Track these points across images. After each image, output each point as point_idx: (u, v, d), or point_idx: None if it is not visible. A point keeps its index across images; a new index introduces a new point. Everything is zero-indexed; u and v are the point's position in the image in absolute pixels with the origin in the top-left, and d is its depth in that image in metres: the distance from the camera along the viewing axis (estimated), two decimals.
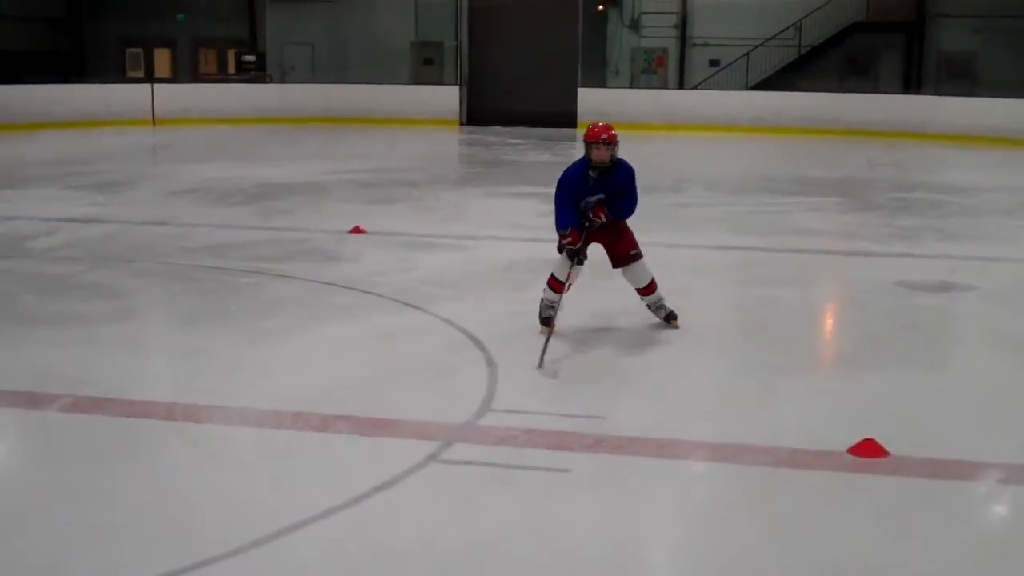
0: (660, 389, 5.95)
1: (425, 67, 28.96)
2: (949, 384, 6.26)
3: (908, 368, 6.40)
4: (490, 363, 6.19)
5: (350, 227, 10.60)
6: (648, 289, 7.03)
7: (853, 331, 7.53)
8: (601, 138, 6.81)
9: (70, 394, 5.55)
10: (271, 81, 29.08)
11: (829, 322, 8.00)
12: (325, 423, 5.18)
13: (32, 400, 5.51)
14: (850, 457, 4.81)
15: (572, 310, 7.08)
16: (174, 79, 32.13)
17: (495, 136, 23.31)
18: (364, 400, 5.55)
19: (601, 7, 28.36)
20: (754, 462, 4.82)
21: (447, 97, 26.42)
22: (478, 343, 6.60)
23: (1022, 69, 24.27)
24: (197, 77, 32.24)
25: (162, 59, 33.86)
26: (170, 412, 5.33)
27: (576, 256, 6.81)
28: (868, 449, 4.85)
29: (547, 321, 6.86)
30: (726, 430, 5.23)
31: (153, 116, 25.69)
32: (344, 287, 8.17)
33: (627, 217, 7.11)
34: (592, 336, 6.92)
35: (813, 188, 15.07)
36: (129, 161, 17.85)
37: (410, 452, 4.81)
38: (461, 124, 26.16)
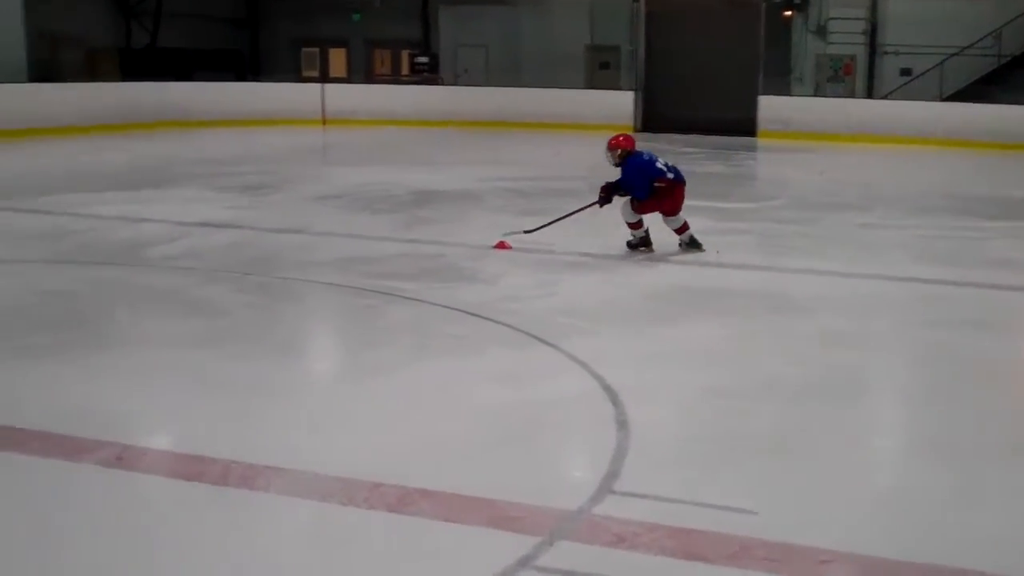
0: (831, 474, 4.74)
1: (600, 71, 27.92)
2: None
3: None
4: (621, 424, 5.08)
5: (495, 242, 9.64)
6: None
7: None
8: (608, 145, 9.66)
9: (116, 442, 4.67)
10: (443, 83, 28.51)
11: None
12: (403, 500, 4.17)
13: (68, 448, 4.65)
14: None
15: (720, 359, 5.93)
16: (347, 79, 31.93)
17: (668, 144, 22.02)
18: (457, 468, 4.53)
19: (788, 12, 26.82)
20: None
21: (621, 103, 25.29)
22: (611, 394, 5.51)
23: None
24: (370, 78, 31.98)
25: (337, 59, 33.75)
26: (225, 474, 4.38)
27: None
28: None
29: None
30: (917, 542, 4.01)
31: (323, 116, 25.37)
32: (469, 313, 7.18)
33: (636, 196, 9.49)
34: (752, 392, 5.75)
35: (1014, 211, 13.41)
36: (285, 162, 17.32)
37: (497, 550, 3.76)
38: (635, 130, 24.96)
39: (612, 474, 4.45)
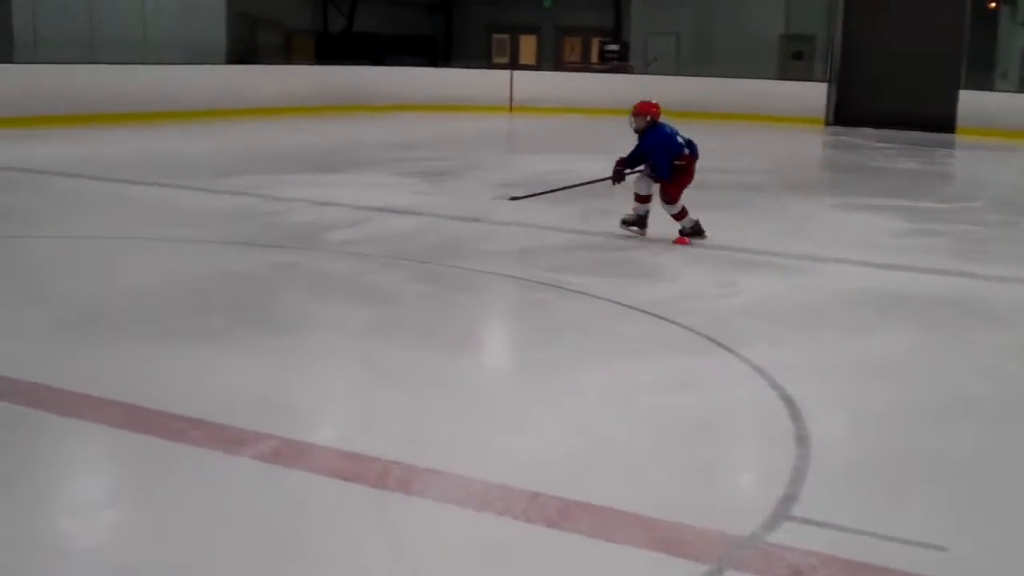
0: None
1: (794, 62, 27.12)
2: None
3: None
4: (801, 441, 4.74)
5: (675, 237, 9.32)
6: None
7: None
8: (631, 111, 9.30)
9: (276, 435, 4.58)
10: (632, 72, 28.15)
11: None
12: (563, 514, 3.93)
13: (225, 437, 4.57)
14: None
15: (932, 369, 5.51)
16: (537, 66, 31.89)
17: (862, 138, 21.27)
18: (621, 481, 4.27)
19: (993, 3, 25.49)
20: None
21: (814, 94, 24.52)
22: (792, 407, 5.16)
23: None
24: (559, 65, 31.86)
25: (527, 46, 33.77)
26: (383, 475, 4.23)
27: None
28: None
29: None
30: None
31: (511, 102, 25.37)
32: (645, 312, 6.90)
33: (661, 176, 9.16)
34: (946, 411, 5.33)
35: None
36: (469, 148, 17.31)
37: None
38: (827, 124, 24.20)
39: (789, 497, 4.12)
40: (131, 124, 18.32)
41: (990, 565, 3.73)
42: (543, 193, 9.36)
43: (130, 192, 11.37)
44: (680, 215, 9.28)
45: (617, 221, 9.57)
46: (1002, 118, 21.86)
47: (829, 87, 24.61)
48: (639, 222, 9.39)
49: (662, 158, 9.12)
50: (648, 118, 9.28)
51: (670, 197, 9.23)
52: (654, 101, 9.47)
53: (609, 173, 9.48)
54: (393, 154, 15.54)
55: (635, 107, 9.39)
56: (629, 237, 9.44)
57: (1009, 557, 3.80)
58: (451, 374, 5.62)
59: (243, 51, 25.61)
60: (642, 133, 9.26)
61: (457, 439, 4.67)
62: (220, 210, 10.45)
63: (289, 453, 4.42)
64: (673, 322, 6.66)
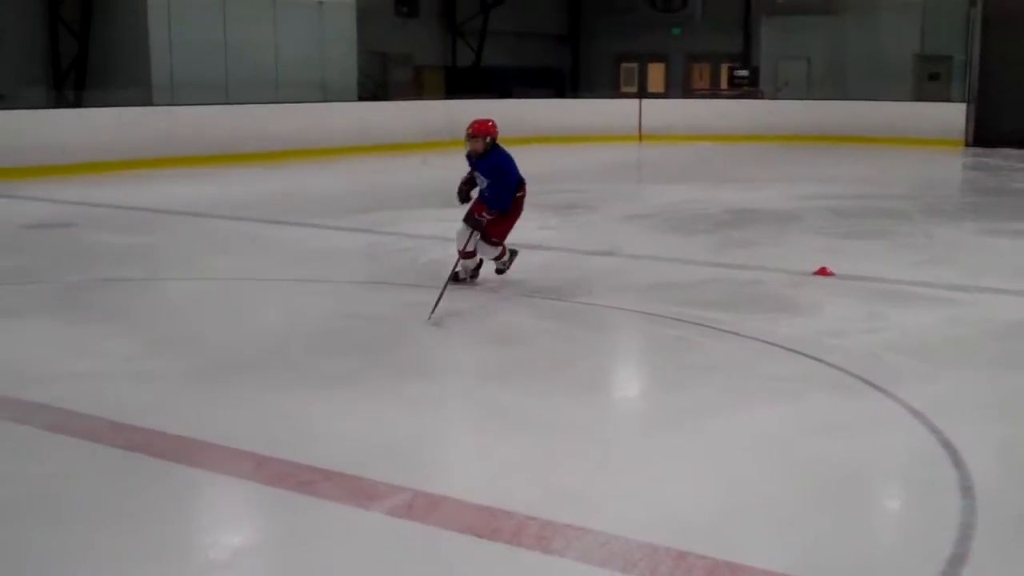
0: None
1: (930, 82, 26.34)
2: None
3: None
4: (966, 492, 4.40)
5: (815, 267, 8.97)
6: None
7: None
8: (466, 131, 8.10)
9: (408, 487, 4.40)
10: (763, 97, 27.69)
11: None
12: (712, 574, 3.69)
13: (356, 489, 4.40)
14: None
15: None
16: (665, 94, 31.62)
17: (1003, 159, 20.46)
18: (771, 538, 3.99)
19: None
20: None
21: (952, 115, 23.69)
22: (952, 453, 4.82)
23: None
24: (687, 92, 31.53)
25: (655, 74, 33.54)
26: (519, 532, 4.01)
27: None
28: None
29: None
30: None
31: (640, 131, 25.12)
32: (787, 349, 6.59)
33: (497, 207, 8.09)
34: None
35: None
36: (598, 179, 17.11)
37: None
38: (966, 145, 23.36)
39: (957, 557, 3.80)
40: (265, 163, 18.58)
41: None
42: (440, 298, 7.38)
43: (262, 232, 11.44)
44: (500, 255, 8.38)
45: (752, 252, 9.24)
46: None
47: (968, 107, 23.77)
48: (474, 274, 8.53)
49: (504, 188, 8.15)
50: (488, 139, 8.16)
51: (498, 235, 8.24)
52: (491, 120, 8.33)
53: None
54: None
55: (471, 126, 8.18)
56: (762, 269, 9.10)
57: None
58: (585, 420, 5.40)
59: (374, 87, 25.90)
60: (480, 156, 8.15)
61: (595, 492, 4.45)
62: (350, 249, 10.44)
63: (422, 507, 4.24)
64: (819, 360, 6.35)
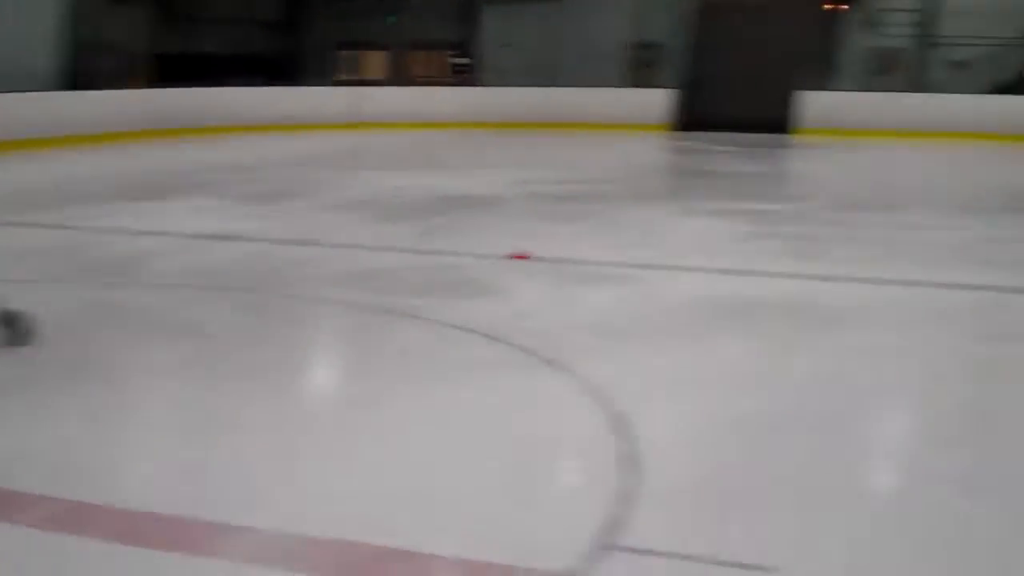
0: (860, 529, 4.15)
1: (643, 70, 27.34)
2: None
3: None
4: (633, 462, 4.49)
5: (515, 251, 9.08)
6: None
7: None
8: None
9: (61, 498, 4.14)
10: (482, 84, 28.02)
11: None
12: (378, 561, 3.61)
13: (8, 503, 4.12)
14: None
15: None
16: (385, 82, 31.52)
17: (705, 143, 21.42)
18: (441, 522, 3.96)
19: (846, 6, 26.01)
20: None
21: (661, 101, 24.69)
22: (626, 427, 4.92)
23: None
24: (408, 80, 31.54)
25: (375, 62, 33.34)
26: (177, 537, 3.81)
27: None
28: None
29: None
30: None
31: (358, 120, 24.94)
32: (480, 333, 6.62)
33: None
34: (783, 421, 5.16)
35: None
36: (311, 168, 16.84)
37: None
38: (673, 130, 24.37)
39: (616, 523, 3.87)
40: None
41: None
42: None
43: None
44: None
45: (454, 237, 9.26)
46: (841, 116, 22.32)
47: (675, 94, 24.80)
48: None
49: None
50: None
51: None
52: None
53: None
54: (226, 176, 15.00)
55: None
56: (460, 254, 9.15)
57: (842, 573, 3.60)
58: (271, 415, 5.22)
59: (81, 76, 24.66)
60: None
61: (270, 488, 4.30)
62: (28, 247, 9.83)
63: (70, 518, 3.98)
64: (508, 342, 6.39)
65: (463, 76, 28.88)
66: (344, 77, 32.17)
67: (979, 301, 7.73)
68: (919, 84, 25.19)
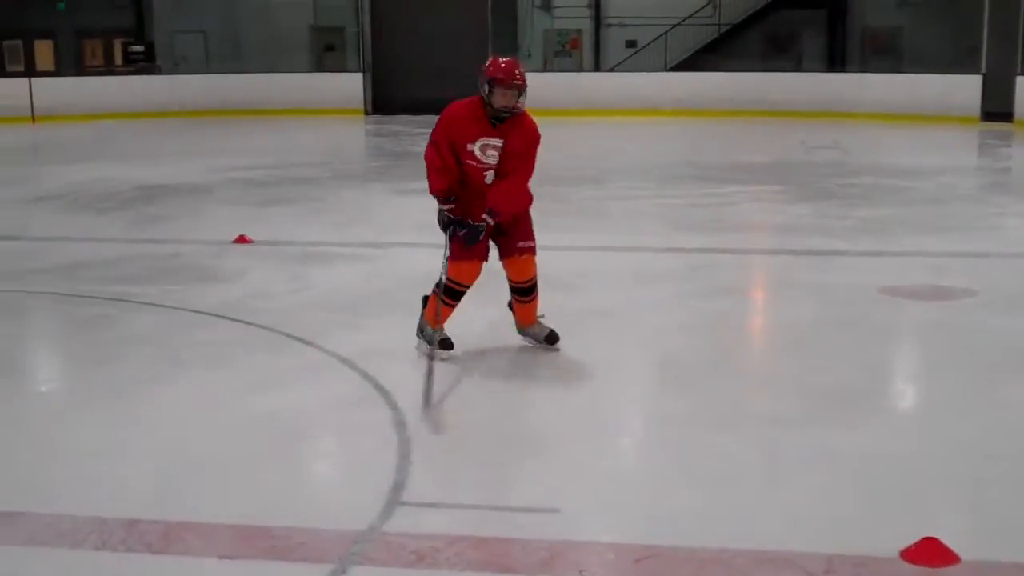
0: (623, 465, 4.52)
1: (327, 53, 27.31)
2: (1009, 442, 4.61)
3: (943, 414, 5.01)
4: (400, 425, 4.68)
5: (234, 236, 9.02)
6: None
7: (851, 361, 5.74)
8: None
9: None
10: (160, 72, 27.18)
11: (820, 348, 6.05)
12: (167, 538, 3.64)
13: None
14: (908, 566, 3.42)
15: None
16: (56, 72, 30.03)
17: (402, 125, 21.67)
18: (223, 493, 4.02)
19: None
20: None
21: (350, 85, 24.75)
22: (384, 393, 5.10)
23: (948, 44, 23.26)
24: (81, 70, 30.18)
25: (43, 52, 31.68)
26: None
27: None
28: (931, 552, 3.46)
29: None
30: (727, 530, 3.77)
31: (32, 113, 23.69)
32: (217, 316, 6.60)
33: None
34: (522, 381, 5.47)
35: (750, 175, 13.72)
36: None
37: None
38: (367, 113, 24.52)
39: (399, 482, 4.05)
40: None
41: (601, 520, 3.83)
42: None
43: None
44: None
45: (170, 226, 9.09)
46: (529, 96, 23.08)
47: (364, 77, 24.93)
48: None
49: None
50: None
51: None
52: None
53: None
54: None
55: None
56: (182, 242, 9.04)
57: (609, 514, 3.90)
58: (8, 409, 5.06)
59: None
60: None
61: (30, 477, 4.22)
62: None
63: None
64: (247, 323, 6.41)
65: (139, 64, 27.88)
66: (12, 69, 30.42)
67: (686, 261, 8.29)
68: (597, 64, 26.39)
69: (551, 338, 5.79)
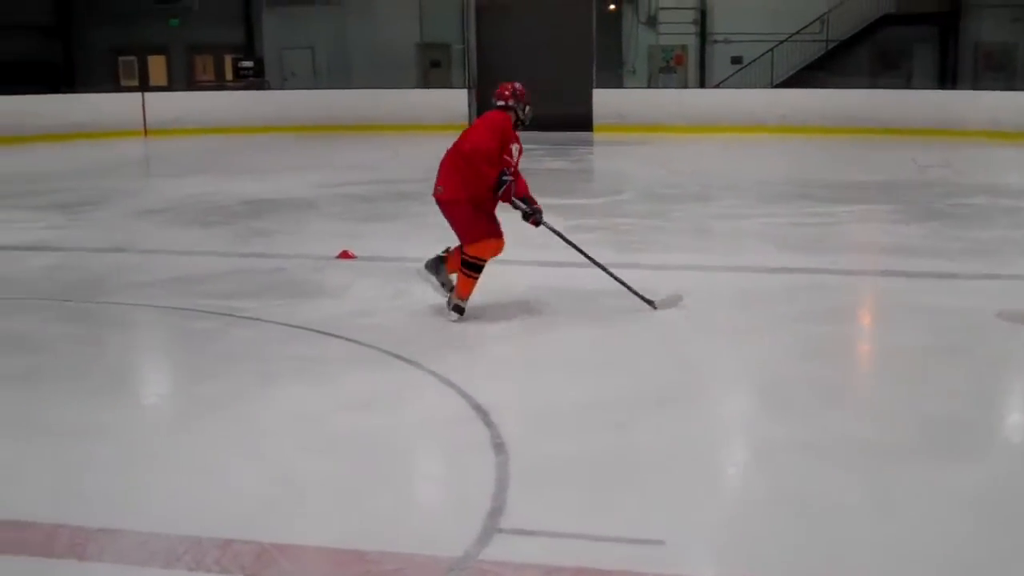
0: (728, 495, 4.38)
1: (432, 70, 27.49)
2: None
3: None
4: (498, 448, 4.60)
5: (337, 251, 9.06)
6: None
7: (967, 389, 5.51)
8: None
9: None
10: (269, 87, 27.63)
11: (933, 375, 5.83)
12: (260, 559, 3.60)
13: None
14: None
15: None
16: (168, 87, 30.70)
17: None
18: (317, 515, 3.98)
19: (613, 6, 26.78)
20: None
21: (455, 101, 24.86)
22: (483, 415, 5.03)
23: None
24: (192, 85, 30.83)
25: (157, 67, 32.44)
26: (49, 542, 3.74)
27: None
28: None
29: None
30: (835, 566, 3.62)
31: (145, 126, 24.23)
32: (319, 332, 6.60)
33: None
34: (633, 403, 5.35)
35: (858, 193, 13.40)
36: (106, 176, 16.33)
37: None
38: None
39: (497, 507, 3.96)
40: None
41: (707, 553, 3.70)
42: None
43: None
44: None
45: (275, 240, 9.17)
46: (633, 113, 22.97)
47: (469, 93, 25.03)
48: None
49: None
50: None
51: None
52: None
53: None
54: (20, 187, 14.40)
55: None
56: (286, 257, 9.10)
57: (722, 542, 3.78)
58: (115, 421, 5.10)
59: None
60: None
61: (132, 492, 4.22)
62: None
63: None
64: (349, 339, 6.40)
65: (249, 80, 28.38)
66: (126, 83, 31.19)
67: (793, 282, 8.09)
68: (702, 80, 26.19)
69: (456, 308, 6.83)
